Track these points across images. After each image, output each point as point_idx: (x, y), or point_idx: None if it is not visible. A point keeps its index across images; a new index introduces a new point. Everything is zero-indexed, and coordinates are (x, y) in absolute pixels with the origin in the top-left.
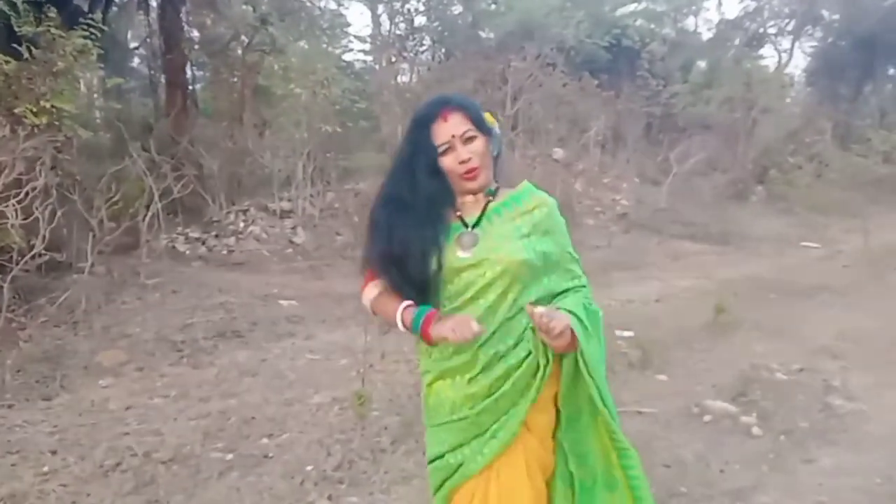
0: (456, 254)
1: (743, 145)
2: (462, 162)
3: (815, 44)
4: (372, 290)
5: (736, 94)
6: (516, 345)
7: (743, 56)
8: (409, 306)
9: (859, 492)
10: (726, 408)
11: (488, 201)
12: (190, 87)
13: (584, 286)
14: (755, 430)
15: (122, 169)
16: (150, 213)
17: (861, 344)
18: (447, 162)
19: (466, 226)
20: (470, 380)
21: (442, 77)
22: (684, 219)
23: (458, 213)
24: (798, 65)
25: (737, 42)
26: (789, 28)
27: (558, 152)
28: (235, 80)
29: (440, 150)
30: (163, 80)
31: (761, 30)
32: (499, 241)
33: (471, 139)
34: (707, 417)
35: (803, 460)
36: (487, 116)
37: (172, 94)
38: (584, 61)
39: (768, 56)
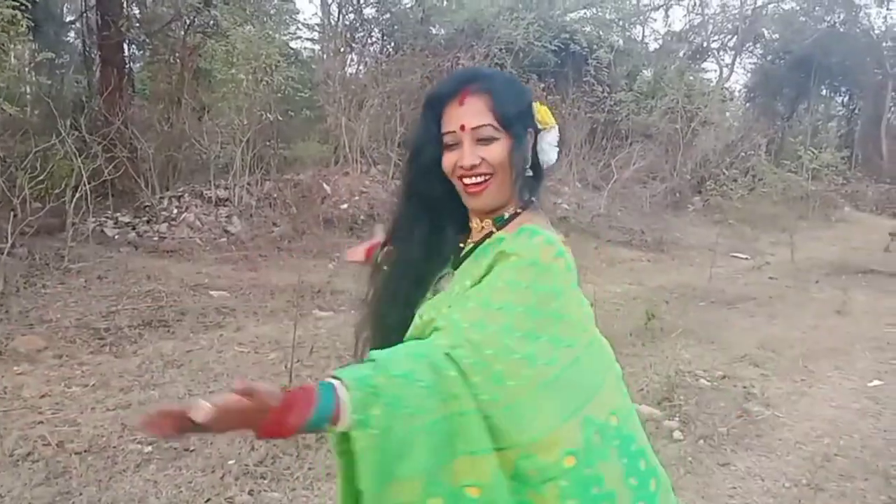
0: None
1: (682, 156)
2: (462, 167)
3: (755, 61)
4: None
5: (678, 105)
6: None
7: (686, 68)
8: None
9: (768, 495)
10: (651, 412)
11: (490, 232)
12: (126, 67)
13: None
14: (676, 434)
15: (51, 147)
16: (77, 195)
17: (780, 353)
18: (447, 160)
19: (454, 266)
20: None
21: (389, 70)
22: (622, 225)
23: (461, 245)
24: (738, 80)
25: (681, 54)
26: (731, 44)
27: None
28: (175, 61)
29: (445, 140)
30: (98, 57)
31: (705, 43)
32: (442, 298)
33: (486, 141)
34: None
35: (719, 464)
36: (539, 110)
37: (107, 73)
38: (531, 64)
39: (710, 70)
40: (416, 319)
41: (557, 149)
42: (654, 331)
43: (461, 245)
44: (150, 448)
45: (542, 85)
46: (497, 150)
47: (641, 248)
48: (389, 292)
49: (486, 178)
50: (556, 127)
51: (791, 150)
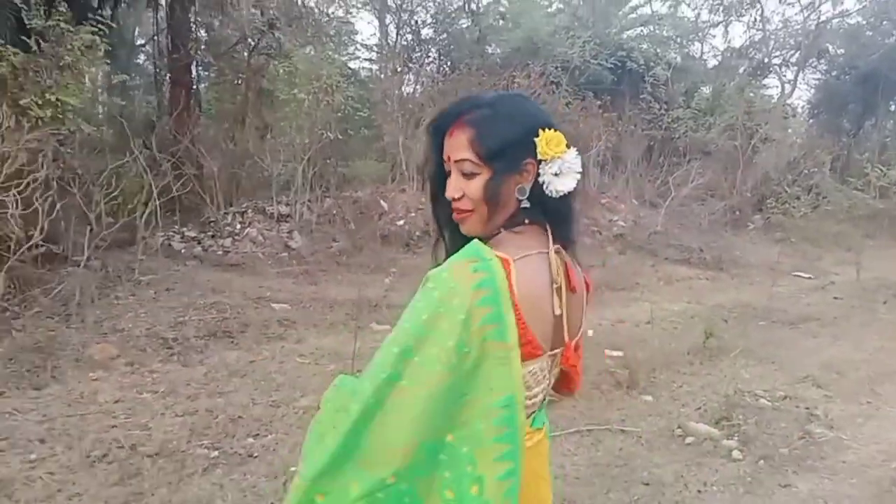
0: None
1: (742, 173)
2: (450, 196)
3: (818, 76)
4: None
5: (737, 122)
6: None
7: (746, 84)
8: None
9: None
10: (709, 430)
11: None
12: (194, 87)
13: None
14: (735, 454)
15: (123, 165)
16: (148, 211)
17: (845, 375)
18: (446, 187)
19: None
20: None
21: (446, 89)
22: (680, 243)
23: None
24: (801, 96)
25: (741, 70)
26: (794, 59)
27: None
28: (240, 82)
29: (445, 166)
30: (167, 78)
31: (766, 59)
32: None
33: (469, 175)
34: (689, 439)
35: (780, 485)
36: (545, 138)
37: (176, 93)
38: (587, 81)
39: (772, 86)
40: None
41: (578, 174)
42: (712, 350)
43: None
44: (216, 453)
45: (599, 102)
46: (476, 186)
47: (700, 267)
48: None
49: (468, 211)
50: (568, 154)
51: (857, 168)
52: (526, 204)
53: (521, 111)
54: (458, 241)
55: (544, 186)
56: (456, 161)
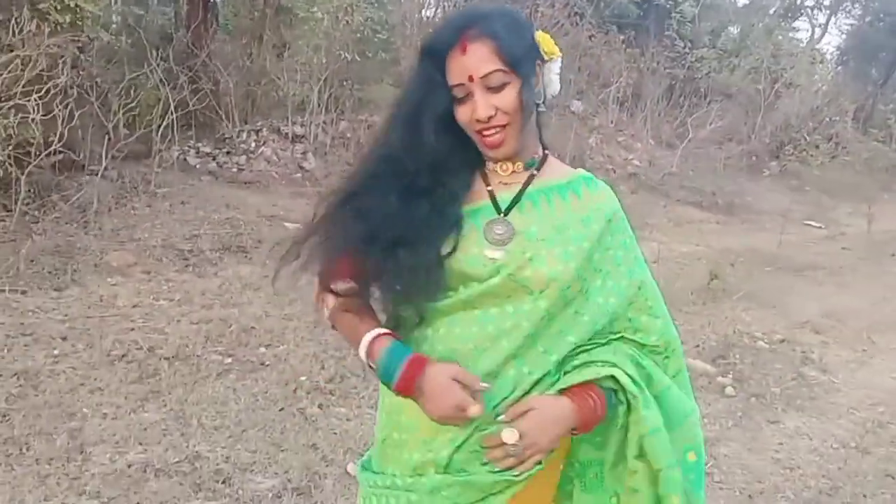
0: (482, 251)
1: (762, 118)
2: (479, 120)
3: (851, 21)
4: (332, 300)
5: (762, 65)
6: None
7: (775, 26)
8: (381, 335)
9: (815, 453)
10: (706, 367)
11: (531, 175)
12: (211, 1)
13: (662, 352)
14: (728, 391)
15: (140, 76)
16: (164, 124)
17: (844, 322)
18: (461, 114)
19: (499, 210)
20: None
21: None
22: (693, 185)
23: (490, 189)
24: (831, 42)
25: (771, 11)
26: (827, 2)
27: (576, 105)
28: None
29: (454, 94)
30: None
31: (798, 1)
32: (549, 240)
33: (498, 88)
34: None
35: (769, 421)
36: (542, 40)
37: (193, 6)
38: (612, 15)
39: (802, 29)
40: (528, 269)
41: (554, 84)
42: (715, 291)
43: (490, 190)
44: (229, 360)
45: (622, 37)
46: (510, 96)
47: (712, 210)
48: (405, 233)
49: (503, 126)
50: (560, 55)
51: (881, 119)
52: (543, 108)
53: (518, 16)
54: (452, 170)
55: (546, 88)
56: (483, 76)
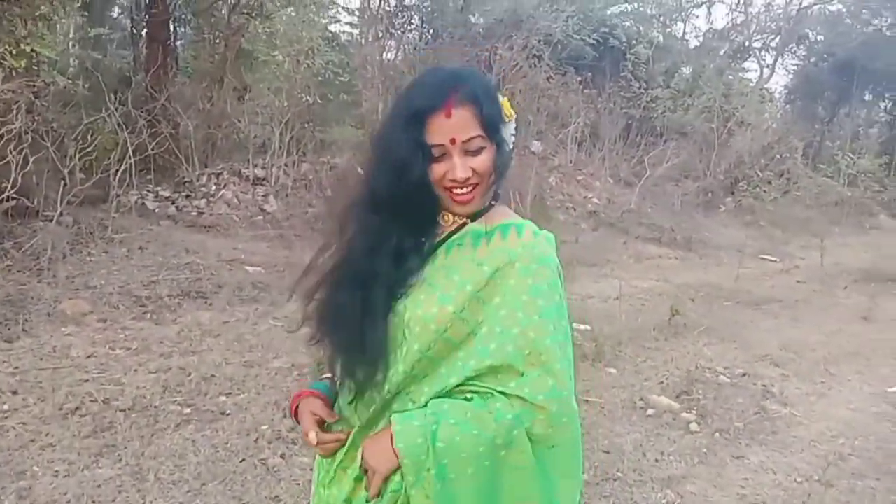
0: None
1: (716, 155)
2: (455, 180)
3: (797, 62)
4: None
5: (715, 104)
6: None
7: (726, 67)
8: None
9: (779, 488)
10: (669, 403)
11: (462, 224)
12: (171, 45)
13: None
14: (693, 427)
15: (97, 120)
16: (122, 168)
17: (802, 355)
18: (436, 171)
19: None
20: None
21: (427, 58)
22: (652, 222)
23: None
24: (779, 81)
25: (722, 52)
26: (774, 44)
27: (536, 145)
28: (219, 41)
29: (432, 152)
30: (144, 34)
31: (747, 43)
32: (434, 285)
33: (476, 151)
34: (650, 411)
35: (733, 456)
36: (504, 104)
37: (153, 50)
38: (569, 57)
39: (751, 69)
40: (406, 312)
41: (513, 136)
42: (677, 327)
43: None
44: (189, 410)
45: (579, 78)
46: (486, 160)
47: (670, 246)
48: (369, 306)
49: (475, 186)
50: (514, 116)
51: (829, 155)
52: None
53: (490, 80)
54: (414, 224)
55: (504, 147)
56: (464, 141)
